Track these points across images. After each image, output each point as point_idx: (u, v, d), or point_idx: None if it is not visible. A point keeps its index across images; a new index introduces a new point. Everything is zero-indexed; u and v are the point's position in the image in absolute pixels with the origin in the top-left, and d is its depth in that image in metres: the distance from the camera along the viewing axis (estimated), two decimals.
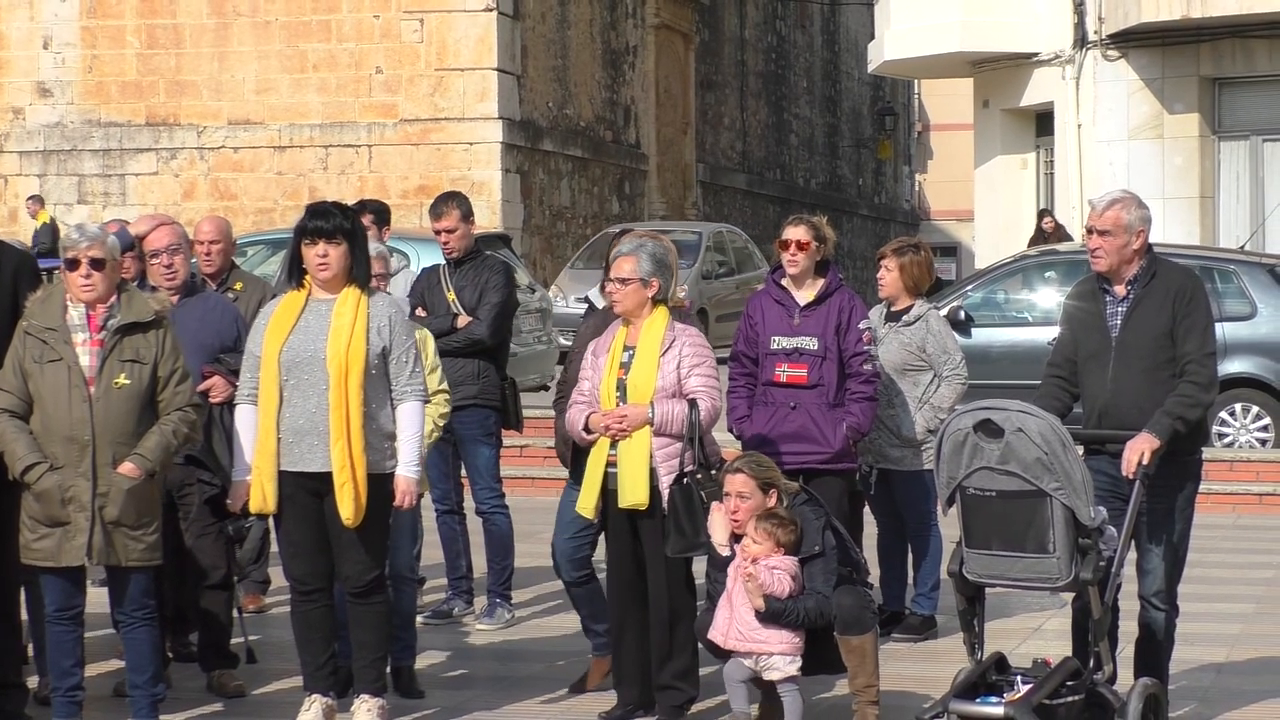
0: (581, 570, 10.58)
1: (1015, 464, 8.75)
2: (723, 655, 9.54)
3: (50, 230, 30.16)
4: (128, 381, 9.14)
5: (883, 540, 12.32)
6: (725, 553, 9.47)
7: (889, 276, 12.26)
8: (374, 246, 10.78)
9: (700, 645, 9.73)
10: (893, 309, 12.27)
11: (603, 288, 10.20)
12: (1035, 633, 12.06)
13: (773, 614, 9.27)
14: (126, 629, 9.34)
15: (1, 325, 9.31)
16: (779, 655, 9.33)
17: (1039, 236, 29.00)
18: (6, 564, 9.56)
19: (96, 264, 9.14)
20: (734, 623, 9.35)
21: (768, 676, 9.36)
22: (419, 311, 12.07)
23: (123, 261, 9.80)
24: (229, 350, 10.37)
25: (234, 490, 9.74)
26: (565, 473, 10.72)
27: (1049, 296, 20.76)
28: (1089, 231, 9.53)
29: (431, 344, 10.76)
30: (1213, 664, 11.28)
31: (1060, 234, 27.79)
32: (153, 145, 33.53)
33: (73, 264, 9.14)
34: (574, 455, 10.51)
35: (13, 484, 9.18)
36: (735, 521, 9.46)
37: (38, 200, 32.57)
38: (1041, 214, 29.98)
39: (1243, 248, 23.99)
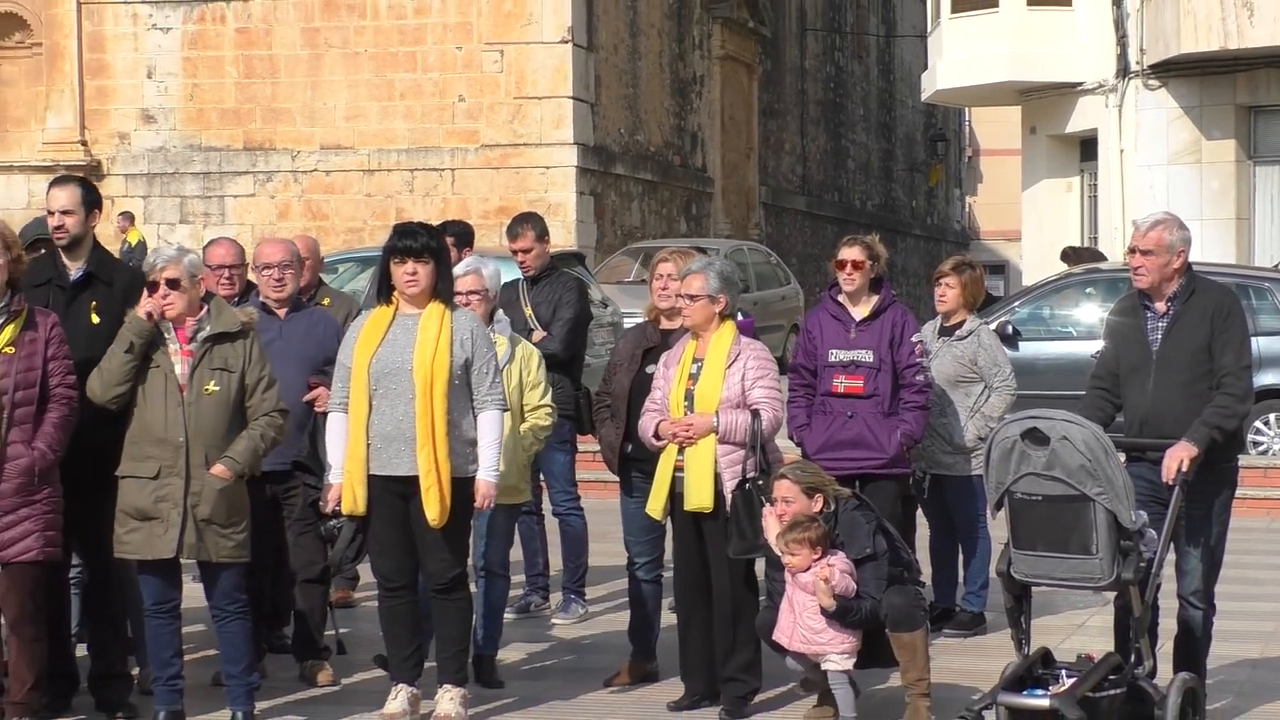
0: (653, 570, 10.60)
1: (1060, 470, 8.74)
2: (784, 652, 9.56)
3: (141, 248, 30.11)
4: (217, 388, 9.19)
5: (934, 541, 12.33)
6: (779, 553, 9.48)
7: (950, 293, 12.25)
8: (473, 263, 10.84)
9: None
10: (946, 324, 12.26)
11: None
12: (1079, 629, 12.01)
13: (841, 611, 9.27)
14: (220, 622, 9.38)
15: (114, 337, 9.36)
16: (837, 653, 9.35)
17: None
18: (109, 564, 9.62)
19: (172, 284, 9.18)
20: (797, 626, 9.36)
21: (824, 668, 9.37)
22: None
23: (204, 277, 9.82)
24: (330, 362, 10.40)
25: (326, 492, 9.79)
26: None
27: (1091, 312, 20.71)
28: (1132, 251, 9.50)
29: (537, 361, 10.77)
30: (1248, 660, 11.23)
31: (1091, 256, 27.56)
32: (250, 169, 33.66)
33: (152, 286, 9.20)
34: (622, 463, 10.55)
35: (111, 485, 9.23)
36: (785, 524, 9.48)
37: (127, 217, 32.52)
38: (1064, 254, 29.69)
39: (1277, 266, 23.85)
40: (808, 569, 9.28)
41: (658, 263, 10.70)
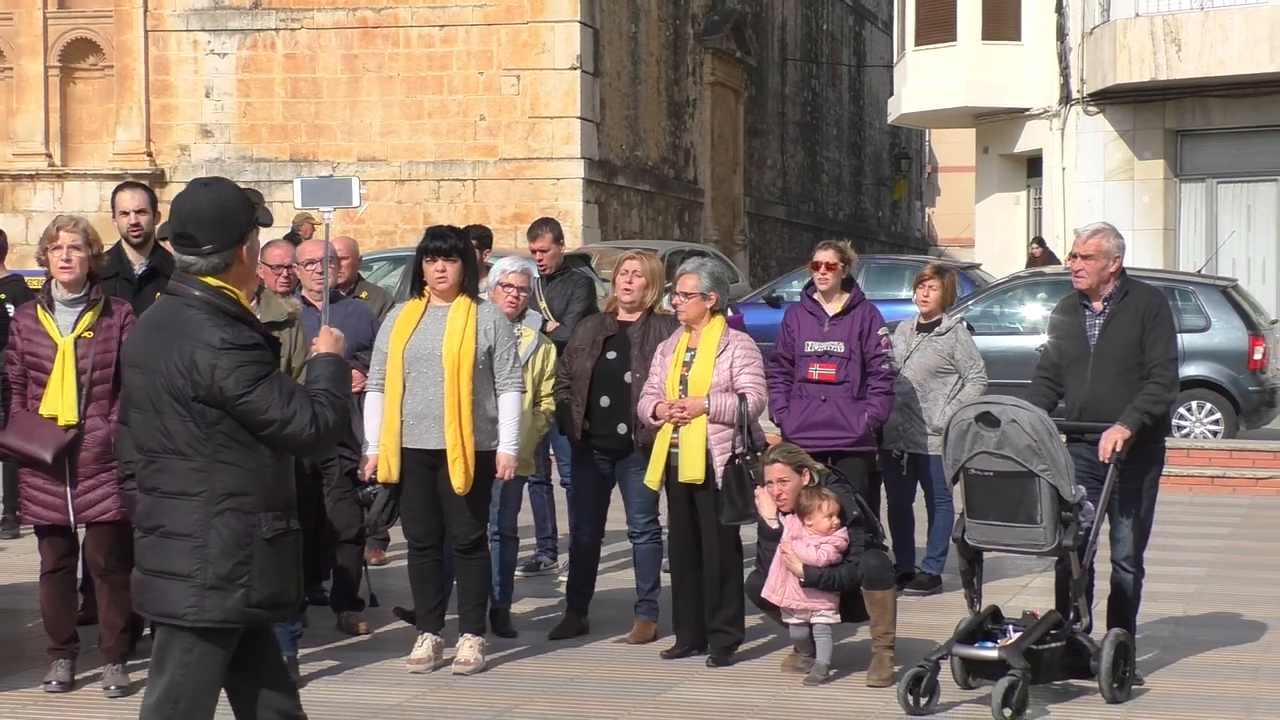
0: (644, 529, 10.58)
1: (1009, 449, 8.76)
2: (776, 615, 9.59)
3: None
4: None
5: (894, 513, 12.30)
6: (774, 526, 9.49)
7: (933, 295, 12.25)
8: (519, 263, 10.86)
9: (748, 599, 9.75)
10: (924, 321, 12.26)
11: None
12: (1024, 590, 12.02)
13: (812, 580, 9.29)
14: None
15: None
16: (824, 610, 9.38)
17: (1031, 261, 28.85)
18: None
19: None
20: (788, 586, 9.39)
21: (813, 621, 9.41)
22: None
23: (265, 272, 9.82)
24: (364, 348, 10.41)
25: (363, 463, 9.80)
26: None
27: (1036, 311, 20.74)
28: (1074, 256, 9.52)
29: (554, 356, 10.77)
30: (1172, 617, 11.23)
31: (1048, 259, 27.63)
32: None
33: None
34: (582, 438, 10.50)
35: None
36: (781, 500, 9.48)
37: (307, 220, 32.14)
38: (1034, 241, 29.83)
39: (1199, 272, 23.86)
40: (827, 532, 9.31)
41: (623, 261, 10.57)
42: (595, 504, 10.66)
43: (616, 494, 10.70)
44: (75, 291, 8.96)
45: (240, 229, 5.70)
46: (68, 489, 8.85)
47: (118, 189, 10.04)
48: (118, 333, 8.95)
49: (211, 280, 5.66)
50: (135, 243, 9.83)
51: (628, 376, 10.27)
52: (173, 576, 5.63)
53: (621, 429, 10.30)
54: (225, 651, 5.72)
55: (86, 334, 8.90)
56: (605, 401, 10.34)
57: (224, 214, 5.67)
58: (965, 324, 12.63)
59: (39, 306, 8.99)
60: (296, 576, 5.83)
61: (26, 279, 13.36)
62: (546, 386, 10.62)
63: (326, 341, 5.99)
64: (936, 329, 12.21)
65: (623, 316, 10.50)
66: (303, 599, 6.08)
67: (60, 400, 8.83)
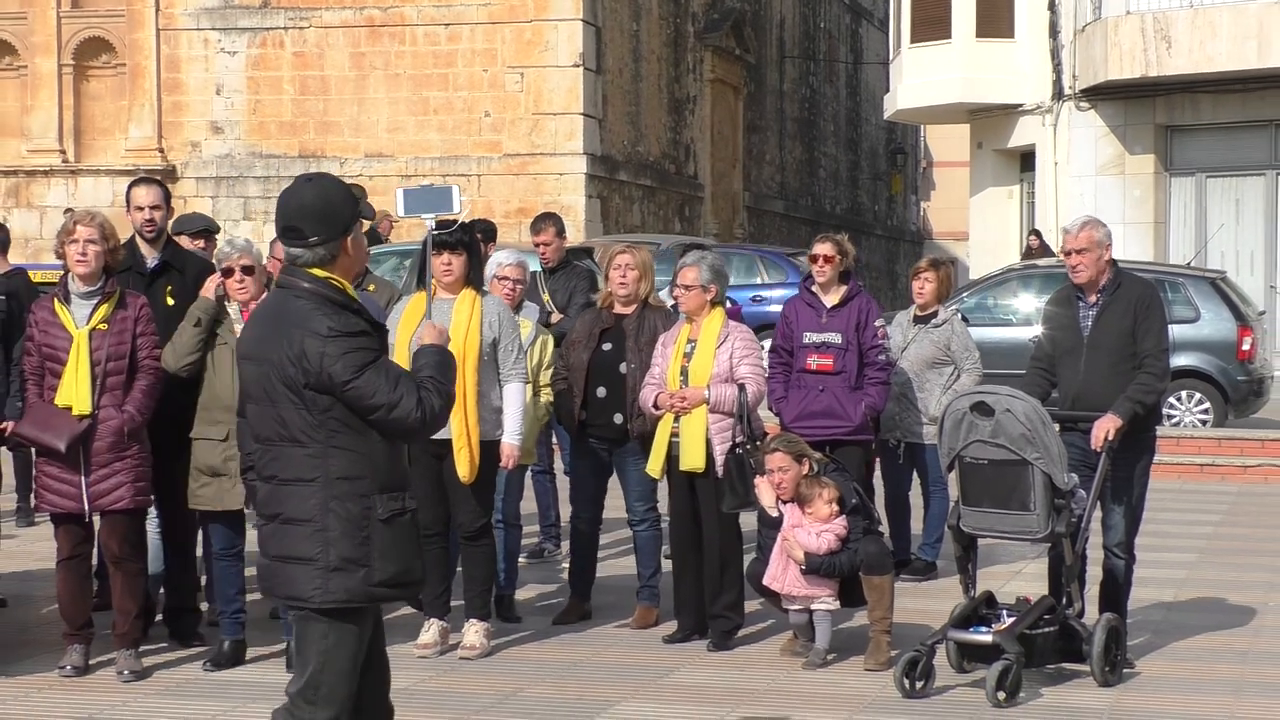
0: (644, 516, 10.58)
1: (1004, 438, 8.76)
2: (776, 602, 9.59)
3: None
4: None
5: (891, 501, 12.30)
6: (774, 514, 9.49)
7: (929, 287, 12.22)
8: (515, 255, 10.87)
9: (749, 586, 9.75)
10: (920, 314, 12.25)
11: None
12: (1018, 575, 12.01)
13: (812, 567, 9.29)
14: None
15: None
16: (825, 596, 9.38)
17: (1029, 252, 28.83)
18: (183, 514, 9.61)
19: (247, 270, 9.15)
20: (789, 573, 9.39)
21: (814, 607, 9.42)
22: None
23: (273, 265, 9.81)
24: None
25: None
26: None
27: (1029, 302, 20.74)
28: (1068, 253, 9.49)
29: (551, 346, 10.77)
30: (1163, 602, 11.23)
31: (1044, 250, 27.63)
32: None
33: (228, 272, 9.16)
34: (579, 429, 10.49)
35: (185, 448, 9.22)
36: (781, 489, 9.48)
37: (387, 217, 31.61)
38: (1031, 233, 29.81)
39: (1189, 264, 23.86)
40: (828, 520, 9.31)
41: (615, 255, 10.49)
42: (593, 492, 10.66)
43: (615, 482, 10.70)
44: (91, 284, 8.95)
45: (345, 221, 5.76)
46: (82, 478, 8.86)
47: (133, 184, 10.02)
48: (132, 325, 8.95)
49: (318, 271, 5.71)
50: (149, 238, 9.83)
51: (623, 367, 10.26)
52: (297, 560, 5.66)
53: (618, 419, 10.30)
54: (360, 632, 5.74)
55: (101, 326, 8.89)
56: (601, 392, 10.33)
57: (329, 207, 5.72)
58: (961, 316, 12.62)
59: (55, 299, 8.99)
60: (419, 555, 5.86)
61: (30, 273, 13.33)
62: (545, 376, 10.64)
63: (431, 334, 6.09)
64: (933, 321, 12.21)
65: (618, 309, 10.49)
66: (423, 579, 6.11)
67: (75, 391, 8.84)
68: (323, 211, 5.71)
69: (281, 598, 5.81)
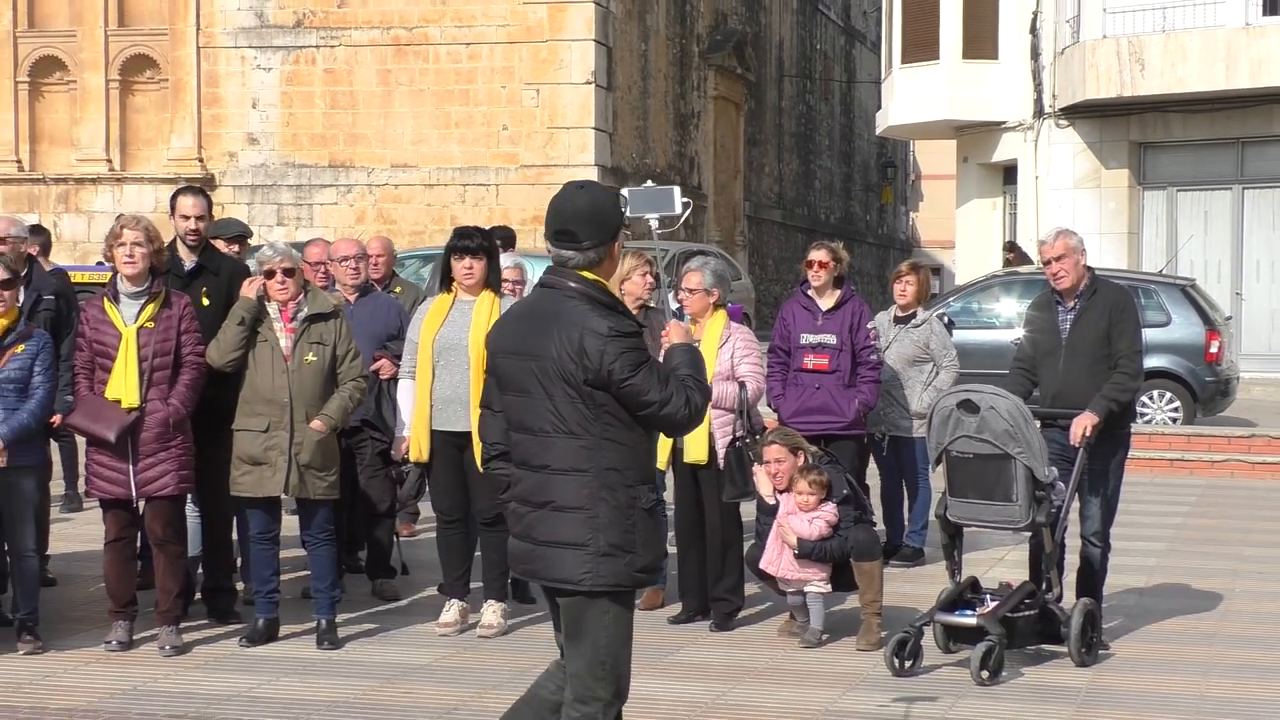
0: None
1: (988, 433, 8.76)
2: (774, 586, 9.59)
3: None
4: (314, 359, 9.16)
5: (885, 491, 12.31)
6: (772, 502, 9.49)
7: (909, 289, 12.21)
8: (512, 259, 10.88)
9: (748, 570, 9.74)
10: (900, 314, 12.24)
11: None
12: (1000, 562, 12.01)
13: (805, 553, 9.29)
14: (312, 547, 9.36)
15: (222, 319, 9.34)
16: (816, 580, 9.38)
17: (1008, 264, 28.74)
18: (220, 500, 9.62)
19: (288, 272, 9.17)
20: (783, 558, 9.40)
21: (807, 590, 9.41)
22: None
23: (305, 268, 9.82)
24: (393, 338, 10.40)
25: (396, 443, 9.81)
26: None
27: (1010, 307, 20.72)
28: (1048, 262, 9.49)
29: None
30: (1135, 588, 11.23)
31: (1021, 259, 27.57)
32: (334, 182, 33.64)
33: (270, 274, 9.18)
34: None
35: (222, 436, 9.23)
36: (777, 479, 9.48)
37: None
38: (1007, 246, 29.76)
39: (1161, 272, 23.83)
40: (816, 509, 9.30)
41: (637, 265, 10.45)
42: None
43: None
44: (138, 285, 8.97)
45: (614, 227, 5.72)
46: (130, 466, 8.87)
47: (179, 193, 9.99)
48: (176, 323, 8.97)
49: (586, 273, 5.67)
50: (191, 245, 9.82)
51: None
52: (566, 546, 5.61)
53: None
54: (631, 611, 5.75)
55: (148, 324, 8.91)
56: None
57: (600, 213, 5.67)
58: (939, 316, 12.62)
59: (105, 298, 9.01)
60: (666, 543, 5.83)
61: (70, 274, 13.32)
62: None
63: (678, 333, 6.00)
64: (913, 321, 12.20)
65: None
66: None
67: (124, 384, 8.85)
68: (595, 217, 5.65)
69: (549, 580, 5.72)
